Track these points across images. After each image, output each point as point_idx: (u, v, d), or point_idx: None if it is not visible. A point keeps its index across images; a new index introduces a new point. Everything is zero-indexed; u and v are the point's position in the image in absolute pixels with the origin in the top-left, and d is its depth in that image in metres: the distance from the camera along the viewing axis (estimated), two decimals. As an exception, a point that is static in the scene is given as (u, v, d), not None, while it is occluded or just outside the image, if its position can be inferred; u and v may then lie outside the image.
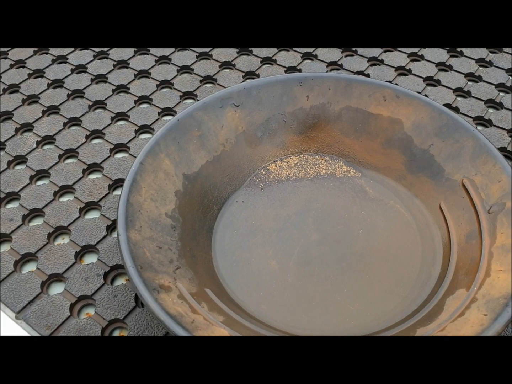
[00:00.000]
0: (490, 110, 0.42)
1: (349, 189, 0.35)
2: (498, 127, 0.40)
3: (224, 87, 0.44)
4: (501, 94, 0.43)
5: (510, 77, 0.45)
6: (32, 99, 0.43)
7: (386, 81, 0.43)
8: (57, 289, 0.31)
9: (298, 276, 0.31)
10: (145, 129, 0.41)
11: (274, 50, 0.48)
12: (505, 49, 0.47)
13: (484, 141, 0.32)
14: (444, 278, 0.29)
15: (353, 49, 0.47)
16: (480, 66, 0.46)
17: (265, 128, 0.36)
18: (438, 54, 0.47)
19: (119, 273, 0.32)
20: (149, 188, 0.31)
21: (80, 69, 0.46)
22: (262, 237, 0.33)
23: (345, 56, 0.47)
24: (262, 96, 0.36)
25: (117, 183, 0.37)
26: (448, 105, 0.42)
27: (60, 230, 0.34)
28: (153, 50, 0.48)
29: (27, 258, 0.33)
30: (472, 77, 0.45)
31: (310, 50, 0.47)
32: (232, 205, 0.34)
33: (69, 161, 0.38)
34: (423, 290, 0.29)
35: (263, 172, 0.36)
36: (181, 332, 0.23)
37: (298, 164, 0.37)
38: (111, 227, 0.34)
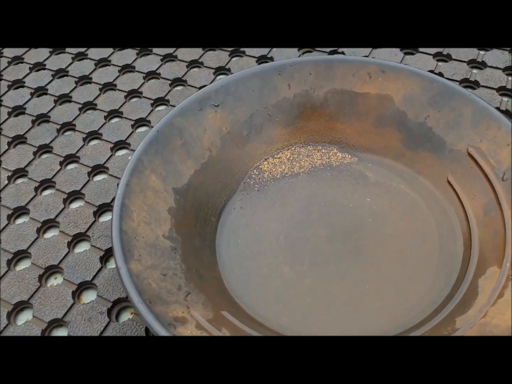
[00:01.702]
0: (475, 71, 0.40)
1: (348, 177, 0.33)
2: (486, 87, 0.39)
3: (196, 88, 0.41)
4: (481, 52, 0.42)
5: (488, 33, 0.43)
6: (-6, 131, 0.40)
7: (363, 56, 0.42)
8: (60, 335, 0.29)
9: (315, 279, 0.29)
10: (121, 145, 0.38)
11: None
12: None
13: (483, 105, 0.30)
14: (469, 257, 0.28)
15: (323, 27, 0.45)
16: (455, 26, 0.44)
17: (250, 125, 0.34)
18: (411, 20, 0.45)
19: (123, 307, 0.30)
20: (140, 210, 0.28)
21: (40, 91, 0.43)
22: (269, 242, 0.31)
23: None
24: (242, 91, 0.34)
25: (102, 208, 0.34)
26: (431, 72, 0.40)
27: (51, 270, 0.31)
28: (113, 60, 0.45)
29: (21, 306, 0.30)
30: (450, 38, 0.43)
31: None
32: (230, 213, 0.32)
33: (46, 192, 0.36)
34: (449, 273, 0.28)
35: (256, 173, 0.34)
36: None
37: (291, 158, 0.35)
38: (105, 257, 0.32)
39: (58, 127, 0.40)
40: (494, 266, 0.26)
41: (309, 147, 0.35)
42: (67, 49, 0.46)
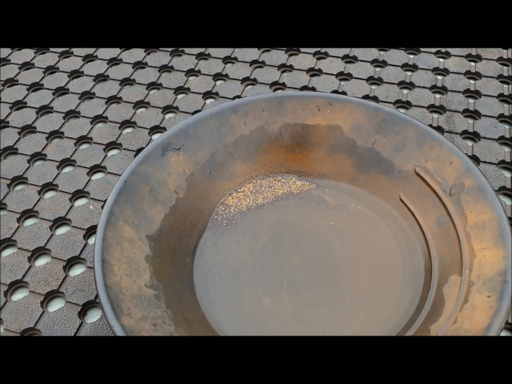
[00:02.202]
0: (405, 91, 0.44)
1: (310, 203, 0.35)
2: (418, 106, 0.43)
3: (147, 128, 0.42)
4: (408, 73, 0.46)
5: (410, 56, 0.47)
6: None
7: (303, 87, 0.44)
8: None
9: (295, 306, 0.30)
10: (79, 194, 0.38)
11: (183, 78, 0.46)
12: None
13: (424, 128, 0.33)
14: (431, 268, 0.30)
15: (260, 60, 0.47)
16: (380, 50, 0.48)
17: (212, 164, 0.35)
18: (340, 48, 0.48)
19: (110, 360, 0.29)
20: (120, 263, 0.28)
21: (-19, 145, 0.41)
22: (246, 276, 0.32)
23: (255, 69, 0.47)
24: (200, 133, 0.35)
25: (71, 262, 0.34)
26: (366, 96, 0.44)
27: (28, 333, 0.30)
28: (56, 107, 0.44)
29: (0, 377, 0.29)
30: (378, 63, 0.47)
31: (219, 70, 0.47)
32: (203, 251, 0.33)
33: (8, 252, 0.34)
34: (415, 284, 0.30)
35: (223, 208, 0.35)
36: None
37: (253, 191, 0.36)
38: (82, 312, 0.31)
39: (8, 182, 0.38)
40: (455, 274, 0.29)
41: (269, 179, 0.37)
42: (4, 99, 0.45)
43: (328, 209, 0.35)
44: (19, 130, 0.42)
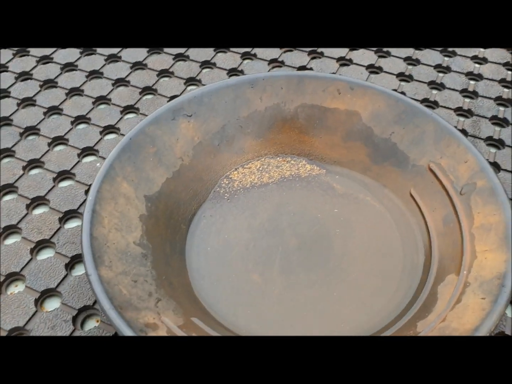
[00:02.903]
0: (434, 92, 0.43)
1: (316, 188, 0.34)
2: (445, 107, 0.41)
3: (167, 97, 0.41)
4: (440, 75, 0.44)
5: (445, 58, 0.46)
6: (-48, 133, 0.38)
7: (330, 73, 0.43)
8: (21, 344, 0.28)
9: (284, 287, 0.29)
10: (88, 151, 0.37)
11: (212, 53, 0.46)
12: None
13: (444, 124, 0.32)
14: (430, 265, 0.29)
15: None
16: (415, 49, 0.47)
17: (221, 136, 0.35)
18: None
19: (89, 314, 0.29)
20: (111, 217, 0.28)
21: (2, 93, 0.41)
22: (238, 250, 0.31)
23: (285, 52, 0.46)
24: (215, 102, 0.34)
25: (68, 215, 0.33)
26: (394, 91, 0.42)
27: (13, 277, 0.30)
28: (81, 65, 0.44)
29: (-21, 314, 0.29)
30: (411, 60, 0.45)
31: (248, 49, 0.46)
32: (200, 221, 0.32)
33: (8, 197, 0.34)
34: (411, 280, 0.29)
35: (226, 182, 0.34)
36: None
37: (260, 168, 0.35)
38: (70, 264, 0.31)
39: (21, 131, 0.39)
40: (453, 274, 0.27)
41: (278, 158, 0.36)
42: (31, 52, 0.45)
43: (335, 196, 0.34)
44: (41, 83, 0.42)
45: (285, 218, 0.33)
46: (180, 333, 0.24)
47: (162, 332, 0.24)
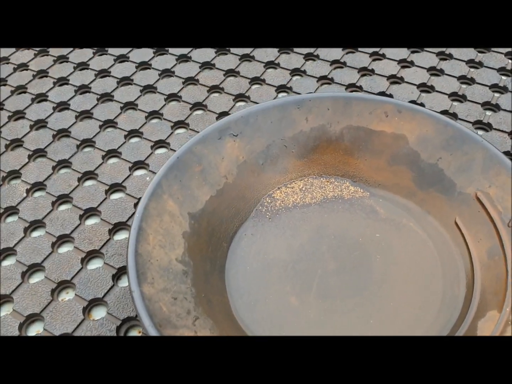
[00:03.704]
0: (488, 113, 0.41)
1: (359, 211, 0.34)
2: (499, 130, 0.40)
3: (216, 113, 0.42)
4: (496, 95, 0.43)
5: (502, 77, 0.44)
6: (16, 143, 0.41)
7: (380, 92, 0.43)
8: (68, 350, 0.29)
9: (320, 311, 0.29)
10: (139, 165, 0.39)
11: (262, 69, 0.46)
12: (493, 48, 0.47)
13: (494, 152, 0.31)
14: (471, 299, 0.28)
15: (342, 60, 0.46)
16: (471, 67, 0.45)
17: (266, 155, 0.35)
18: (428, 58, 0.46)
19: (131, 325, 0.30)
20: (156, 234, 0.29)
21: (62, 106, 0.44)
22: (277, 271, 0.31)
23: (335, 69, 0.46)
24: (260, 122, 0.35)
25: (117, 227, 0.35)
26: (445, 111, 0.41)
27: (64, 285, 0.32)
28: (136, 80, 0.46)
29: (32, 319, 0.31)
30: (465, 79, 0.44)
31: (298, 66, 0.46)
32: (241, 239, 0.33)
33: (63, 207, 0.37)
34: (450, 313, 0.28)
35: (269, 201, 0.35)
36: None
37: (303, 188, 0.35)
38: (117, 275, 0.33)
39: (78, 143, 0.41)
40: (494, 310, 0.26)
41: (322, 179, 0.36)
42: (91, 66, 0.47)
43: (377, 220, 0.34)
44: (98, 96, 0.44)
45: (325, 240, 0.33)
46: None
47: (197, 352, 0.25)
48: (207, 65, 0.47)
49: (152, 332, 0.24)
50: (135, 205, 0.36)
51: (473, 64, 0.46)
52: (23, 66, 0.48)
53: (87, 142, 0.41)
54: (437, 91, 0.43)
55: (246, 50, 0.48)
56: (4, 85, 0.46)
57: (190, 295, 0.28)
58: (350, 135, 0.35)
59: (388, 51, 0.47)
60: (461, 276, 0.30)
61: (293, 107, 0.35)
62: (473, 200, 0.31)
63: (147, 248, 0.28)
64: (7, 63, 0.48)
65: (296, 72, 0.46)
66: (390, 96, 0.43)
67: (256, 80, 0.46)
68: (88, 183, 0.38)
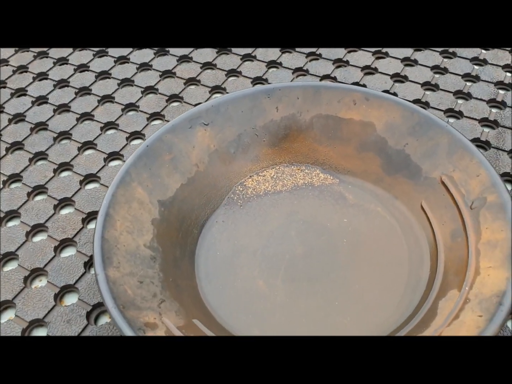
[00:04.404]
0: (460, 101, 0.42)
1: (328, 197, 0.35)
2: (469, 117, 0.40)
3: (192, 105, 0.43)
4: (468, 84, 0.43)
5: (475, 67, 0.45)
6: (-6, 136, 0.42)
7: (353, 83, 0.43)
8: (39, 335, 0.30)
9: (287, 294, 0.30)
10: (114, 156, 0.40)
11: (238, 61, 0.47)
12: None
13: (458, 137, 0.32)
14: (434, 280, 0.29)
15: (318, 52, 0.47)
16: (444, 57, 0.46)
17: (237, 144, 0.36)
18: (403, 50, 0.47)
19: (102, 311, 0.31)
20: (123, 220, 0.30)
21: (41, 100, 0.44)
22: (246, 256, 0.32)
23: (310, 61, 0.46)
24: (231, 112, 0.35)
25: (90, 216, 0.35)
26: (418, 100, 0.42)
27: (37, 272, 0.33)
28: (114, 74, 0.46)
29: (5, 305, 0.31)
30: (438, 69, 0.45)
31: (274, 58, 0.47)
32: (212, 226, 0.34)
33: (38, 198, 0.37)
34: (414, 295, 0.29)
35: (240, 189, 0.35)
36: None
37: (275, 176, 0.36)
38: (89, 263, 0.33)
39: (55, 135, 0.41)
40: (455, 289, 0.27)
41: (293, 167, 0.36)
42: (70, 60, 0.48)
43: (346, 206, 0.34)
44: (77, 90, 0.45)
45: (294, 226, 0.33)
46: (178, 333, 0.25)
47: (160, 332, 0.25)
48: (184, 59, 0.48)
49: (114, 313, 0.24)
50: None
51: (447, 54, 0.46)
52: (4, 62, 0.48)
53: (64, 135, 0.41)
54: (410, 81, 0.44)
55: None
56: (-16, 80, 0.46)
57: (158, 279, 0.29)
58: (319, 123, 0.36)
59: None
60: (425, 259, 0.30)
61: (263, 97, 0.36)
62: (438, 184, 0.32)
63: (114, 234, 0.29)
64: (-13, 59, 0.48)
65: (272, 64, 0.47)
66: (364, 86, 0.43)
67: (232, 73, 0.46)
68: (64, 174, 0.38)
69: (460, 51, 0.46)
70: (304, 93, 0.36)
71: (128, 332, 0.24)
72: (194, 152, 0.34)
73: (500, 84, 0.43)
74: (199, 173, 0.34)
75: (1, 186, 0.37)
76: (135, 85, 0.45)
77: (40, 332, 0.30)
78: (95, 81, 0.46)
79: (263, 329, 0.28)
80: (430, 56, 0.46)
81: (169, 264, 0.30)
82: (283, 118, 0.36)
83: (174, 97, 0.44)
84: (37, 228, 0.35)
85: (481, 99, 0.42)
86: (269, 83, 0.44)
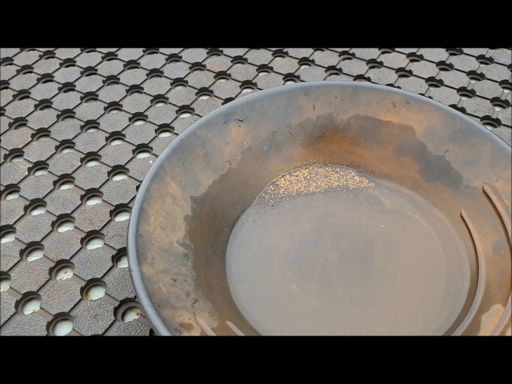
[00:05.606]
0: (497, 109, 0.41)
1: (364, 201, 0.34)
2: (507, 126, 0.39)
3: (222, 99, 0.42)
4: (506, 91, 0.42)
5: (513, 73, 0.44)
6: (20, 122, 0.41)
7: (388, 84, 0.42)
8: (64, 329, 0.29)
9: (321, 299, 0.29)
10: (142, 148, 0.39)
11: (270, 57, 0.46)
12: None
13: (503, 145, 0.31)
14: (475, 293, 0.28)
15: (351, 52, 0.46)
16: (481, 63, 0.45)
17: (271, 142, 0.35)
18: (438, 53, 0.46)
19: (130, 307, 0.30)
20: (157, 215, 0.29)
21: (68, 87, 0.43)
22: (278, 258, 0.31)
23: (343, 60, 0.45)
24: (267, 108, 0.34)
25: (118, 209, 0.35)
26: (453, 106, 0.41)
27: (62, 264, 0.32)
28: (142, 64, 0.45)
29: (29, 297, 0.30)
30: (474, 75, 0.44)
31: (306, 55, 0.46)
32: (243, 225, 0.33)
33: (64, 187, 0.36)
34: (454, 306, 0.28)
35: (272, 188, 0.35)
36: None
37: (308, 177, 0.35)
38: (117, 257, 0.32)
39: (82, 124, 0.40)
40: (499, 304, 0.26)
41: (327, 168, 0.35)
42: (97, 48, 0.47)
43: (382, 211, 0.33)
44: (105, 79, 0.44)
45: (328, 229, 0.32)
46: (213, 335, 0.25)
47: (195, 333, 0.24)
48: (214, 51, 0.47)
49: (150, 312, 0.24)
50: (137, 187, 0.36)
51: (483, 60, 0.45)
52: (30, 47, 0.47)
53: (91, 123, 0.40)
54: (445, 86, 0.43)
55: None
56: (10, 64, 0.45)
57: (190, 277, 0.28)
58: (357, 124, 0.35)
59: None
60: (465, 270, 0.29)
61: (300, 94, 0.35)
62: (480, 194, 0.31)
63: (148, 229, 0.28)
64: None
65: (304, 61, 0.46)
66: (399, 88, 0.42)
67: (263, 68, 0.45)
68: (91, 164, 0.38)
69: (497, 57, 0.45)
70: (342, 92, 0.35)
71: (164, 332, 0.23)
72: (228, 148, 0.34)
73: (539, 93, 0.42)
74: (232, 170, 0.33)
75: (26, 173, 0.37)
76: (164, 76, 0.44)
77: (66, 326, 0.29)
78: (123, 70, 0.45)
79: (294, 334, 0.28)
80: (466, 61, 0.45)
81: (201, 262, 0.29)
82: (319, 117, 0.35)
83: (203, 90, 0.43)
84: (63, 218, 0.34)
85: (519, 108, 0.41)
86: (301, 81, 0.43)
